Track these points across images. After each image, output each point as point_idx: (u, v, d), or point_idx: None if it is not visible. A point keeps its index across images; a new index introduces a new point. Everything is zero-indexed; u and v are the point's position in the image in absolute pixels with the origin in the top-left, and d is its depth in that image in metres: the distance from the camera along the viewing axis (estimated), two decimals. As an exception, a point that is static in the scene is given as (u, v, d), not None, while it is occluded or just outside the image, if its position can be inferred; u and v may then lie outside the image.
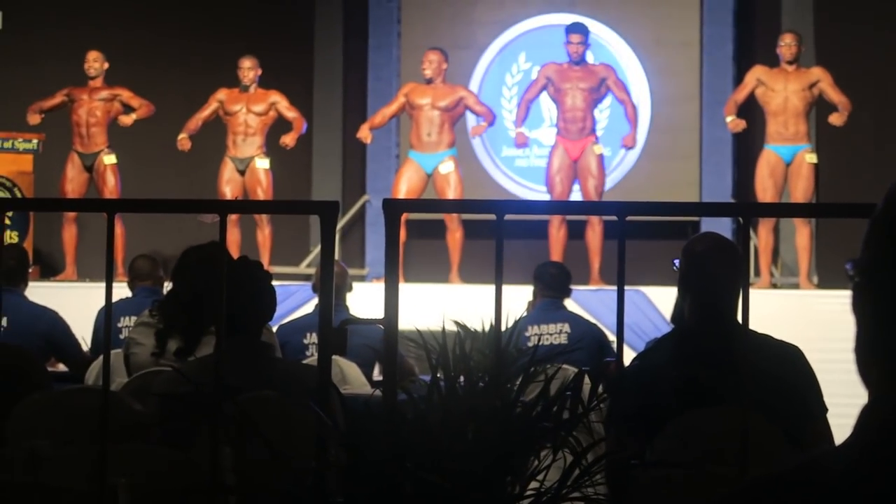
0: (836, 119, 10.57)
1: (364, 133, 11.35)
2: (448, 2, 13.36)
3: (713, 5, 12.85)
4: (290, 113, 11.52)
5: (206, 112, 11.53)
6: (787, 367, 3.93)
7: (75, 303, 8.68)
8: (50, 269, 12.10)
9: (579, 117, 11.02)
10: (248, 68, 11.47)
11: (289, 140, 11.35)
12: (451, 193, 10.95)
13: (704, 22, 12.86)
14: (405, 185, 11.13)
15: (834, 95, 10.64)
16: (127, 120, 11.45)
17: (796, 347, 4.01)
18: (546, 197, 11.26)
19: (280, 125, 11.52)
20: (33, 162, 11.58)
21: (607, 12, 13.00)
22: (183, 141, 11.38)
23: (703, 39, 12.86)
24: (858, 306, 1.31)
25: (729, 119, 10.90)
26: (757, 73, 10.91)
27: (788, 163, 10.69)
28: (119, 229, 10.76)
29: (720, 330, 3.94)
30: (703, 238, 4.28)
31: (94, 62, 11.55)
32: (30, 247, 11.06)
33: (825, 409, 3.96)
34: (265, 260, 10.83)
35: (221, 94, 11.55)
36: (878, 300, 1.28)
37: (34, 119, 11.42)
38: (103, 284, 3.49)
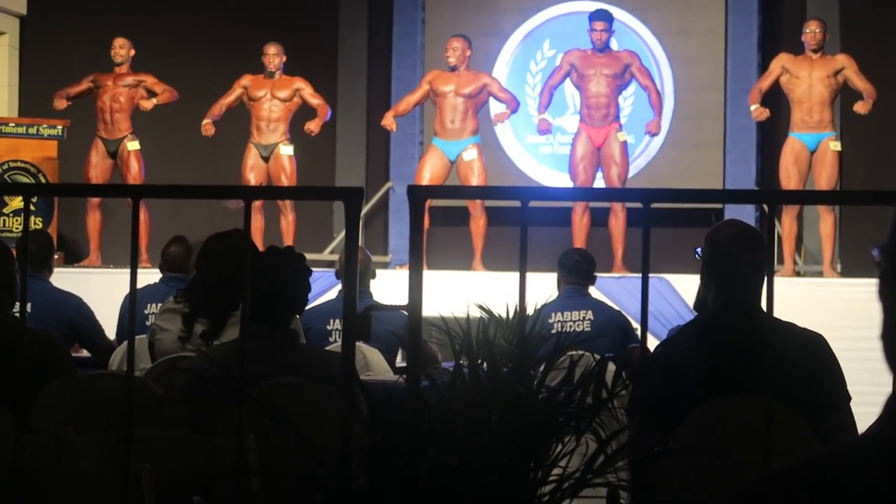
0: (860, 107, 10.50)
1: (388, 121, 11.33)
2: (472, -11, 13.35)
3: (738, -7, 12.81)
4: (315, 100, 11.51)
5: (230, 98, 11.53)
6: (810, 355, 3.92)
7: (99, 289, 8.70)
8: (74, 255, 12.13)
9: (603, 104, 10.99)
10: (274, 54, 11.47)
11: (313, 127, 11.34)
12: (475, 180, 10.92)
13: (729, 10, 12.81)
14: (429, 172, 11.11)
15: (859, 83, 10.58)
16: (147, 104, 11.44)
17: (820, 336, 4.00)
18: (569, 184, 11.23)
19: (304, 112, 11.52)
20: (58, 148, 11.61)
21: (631, 0, 12.96)
22: (207, 126, 11.38)
23: (728, 28, 12.81)
24: (885, 293, 1.30)
25: (753, 107, 10.84)
26: (782, 60, 10.86)
27: (813, 150, 10.64)
28: (143, 215, 10.78)
29: (744, 318, 3.93)
30: (727, 226, 4.25)
31: (121, 49, 11.56)
32: (54, 233, 11.10)
33: (849, 398, 3.95)
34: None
35: (246, 80, 11.55)
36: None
37: (60, 104, 11.44)
38: (127, 270, 3.49)
